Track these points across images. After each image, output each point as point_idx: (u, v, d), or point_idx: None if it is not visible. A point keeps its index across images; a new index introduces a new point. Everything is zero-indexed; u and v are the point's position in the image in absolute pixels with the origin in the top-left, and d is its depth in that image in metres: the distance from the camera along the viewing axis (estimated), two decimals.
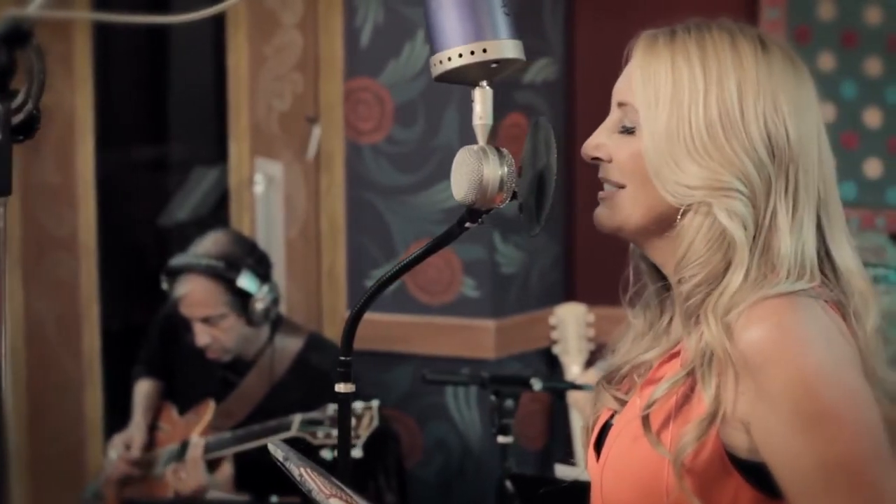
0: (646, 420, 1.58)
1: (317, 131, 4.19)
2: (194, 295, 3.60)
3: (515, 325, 4.05)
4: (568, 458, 3.29)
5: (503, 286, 4.03)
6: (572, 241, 4.23)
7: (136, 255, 5.44)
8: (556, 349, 4.12)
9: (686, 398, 1.58)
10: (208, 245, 3.64)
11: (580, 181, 4.03)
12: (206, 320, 3.61)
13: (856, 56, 3.86)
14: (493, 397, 3.06)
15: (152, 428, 3.83)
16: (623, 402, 1.70)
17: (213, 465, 3.60)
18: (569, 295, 4.23)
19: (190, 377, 3.82)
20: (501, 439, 3.05)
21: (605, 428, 1.72)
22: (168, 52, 5.77)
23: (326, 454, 3.32)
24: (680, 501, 1.56)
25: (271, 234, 4.25)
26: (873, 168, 3.88)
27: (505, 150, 1.63)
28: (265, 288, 3.62)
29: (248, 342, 3.67)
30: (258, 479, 3.54)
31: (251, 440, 3.51)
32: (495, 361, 3.94)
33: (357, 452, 3.27)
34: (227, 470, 3.60)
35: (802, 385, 1.50)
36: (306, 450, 3.25)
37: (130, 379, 3.94)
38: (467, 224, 1.66)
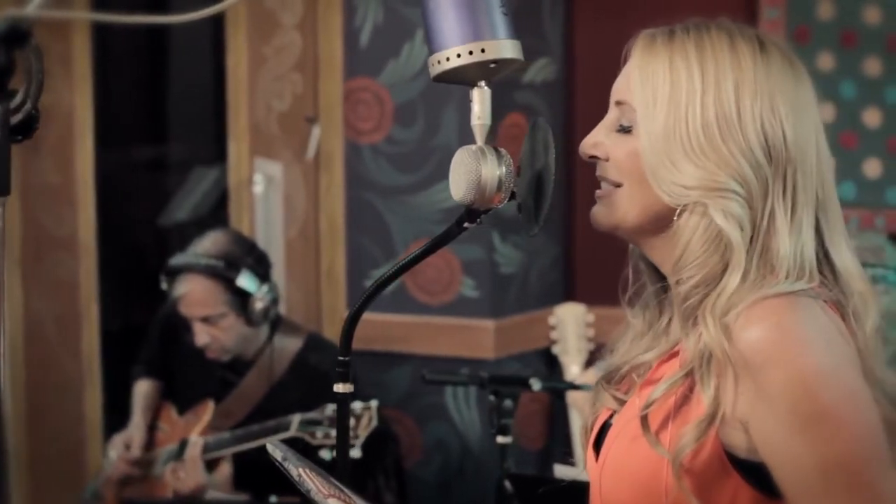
0: (644, 420, 1.58)
1: (316, 131, 4.19)
2: (194, 294, 3.60)
3: (515, 325, 4.05)
4: (567, 458, 3.28)
5: (502, 286, 4.03)
6: (572, 241, 4.23)
7: (136, 255, 5.44)
8: (555, 349, 4.12)
9: (685, 398, 1.58)
10: (208, 244, 3.64)
11: (579, 181, 4.03)
12: (205, 320, 3.61)
13: (855, 56, 3.86)
14: (492, 397, 3.06)
15: (151, 428, 3.83)
16: (622, 402, 1.70)
17: (211, 465, 3.60)
18: (568, 295, 4.23)
19: (189, 377, 3.82)
20: (500, 439, 3.05)
21: (605, 428, 1.72)
22: (167, 52, 5.78)
23: (325, 454, 3.32)
24: (679, 501, 1.56)
25: (271, 234, 4.25)
26: (872, 168, 3.88)
27: (503, 151, 1.63)
28: (264, 288, 3.62)
29: (248, 342, 3.67)
30: (257, 479, 3.54)
31: (250, 440, 3.51)
32: (494, 361, 3.94)
33: (356, 452, 3.27)
34: (225, 470, 3.60)
35: (802, 385, 1.50)
36: (305, 450, 3.25)
37: (130, 379, 3.94)
38: (466, 224, 1.66)
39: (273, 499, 3.49)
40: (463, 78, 1.62)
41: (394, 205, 4.06)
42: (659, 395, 1.58)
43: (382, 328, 4.00)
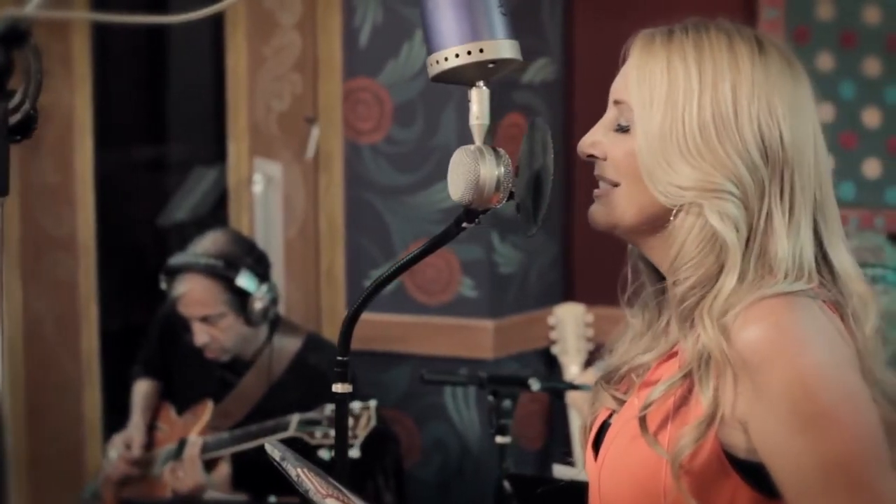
0: (643, 421, 1.58)
1: (316, 131, 4.19)
2: (193, 294, 3.60)
3: (514, 325, 4.05)
4: (566, 458, 3.28)
5: (502, 286, 4.03)
6: (571, 241, 4.23)
7: (135, 255, 5.44)
8: (554, 349, 4.12)
9: (684, 399, 1.58)
10: (207, 244, 3.64)
11: (579, 181, 4.03)
12: (204, 319, 3.61)
13: (855, 56, 3.86)
14: (490, 397, 3.06)
15: (151, 428, 3.83)
16: (622, 402, 1.70)
17: (210, 465, 3.60)
18: (567, 295, 4.23)
19: (188, 377, 3.82)
20: (499, 439, 3.05)
21: (604, 427, 1.72)
22: (167, 52, 5.78)
23: (324, 454, 3.32)
24: (678, 501, 1.56)
25: (270, 234, 4.25)
26: (872, 168, 3.88)
27: (501, 151, 1.63)
28: (264, 287, 3.62)
29: (247, 342, 3.67)
30: (256, 479, 3.54)
31: (249, 440, 3.51)
32: (494, 361, 3.94)
33: (355, 452, 3.28)
34: (224, 470, 3.60)
35: (801, 385, 1.50)
36: (304, 450, 3.25)
37: (129, 379, 3.94)
38: (464, 224, 1.66)
39: (272, 499, 3.49)
40: (461, 78, 1.62)
41: (393, 205, 4.06)
42: (657, 396, 1.58)
43: (382, 328, 4.00)
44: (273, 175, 4.26)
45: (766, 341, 1.51)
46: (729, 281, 1.56)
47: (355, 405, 3.32)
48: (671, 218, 1.61)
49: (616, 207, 1.65)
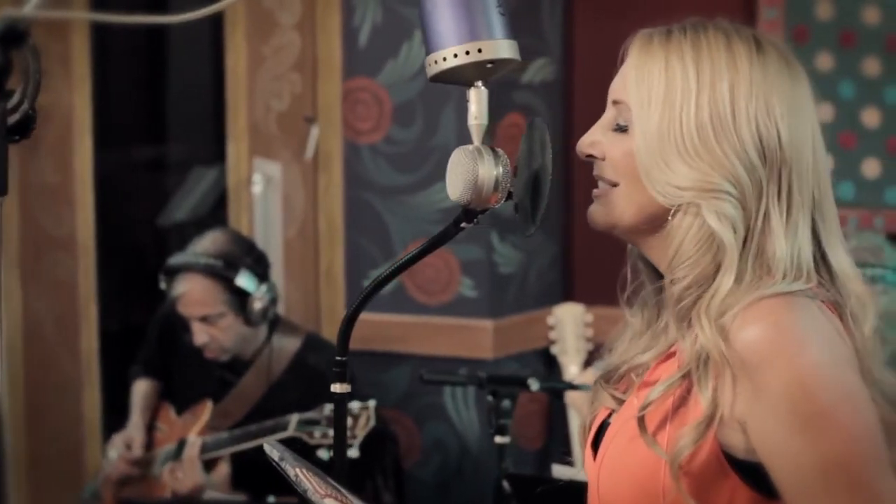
0: (641, 421, 1.58)
1: (315, 131, 4.19)
2: (193, 294, 3.60)
3: (513, 325, 4.05)
4: (565, 458, 3.28)
5: (501, 286, 4.03)
6: (570, 241, 4.23)
7: (135, 255, 5.44)
8: (554, 349, 4.12)
9: (683, 400, 1.58)
10: (207, 244, 3.65)
11: (578, 181, 4.03)
12: (204, 319, 3.61)
13: (854, 56, 3.86)
14: (490, 397, 3.06)
15: (150, 428, 3.83)
16: (621, 402, 1.70)
17: (209, 465, 3.60)
18: (567, 295, 4.23)
19: (188, 377, 3.82)
20: (499, 439, 3.05)
21: (603, 427, 1.72)
22: (166, 52, 5.78)
23: (323, 454, 3.32)
24: (676, 501, 1.56)
25: (269, 234, 4.25)
26: (871, 168, 3.88)
27: (500, 150, 1.63)
28: (263, 287, 3.62)
29: (246, 342, 3.67)
30: (255, 479, 3.54)
31: (248, 440, 3.51)
32: (493, 361, 3.94)
33: (354, 452, 3.27)
34: (223, 470, 3.60)
35: (800, 385, 1.49)
36: (303, 450, 3.25)
37: (128, 379, 3.94)
38: (463, 224, 1.66)
39: (271, 499, 3.49)
40: (460, 78, 1.62)
41: (392, 205, 4.06)
42: (656, 396, 1.58)
43: (381, 328, 4.01)
44: (272, 175, 4.26)
45: (766, 341, 1.51)
46: (726, 281, 1.56)
47: (354, 405, 3.31)
48: (669, 218, 1.61)
49: (615, 207, 1.65)
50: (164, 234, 5.22)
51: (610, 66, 1.70)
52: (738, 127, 1.59)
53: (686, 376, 1.57)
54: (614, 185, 1.65)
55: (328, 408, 3.34)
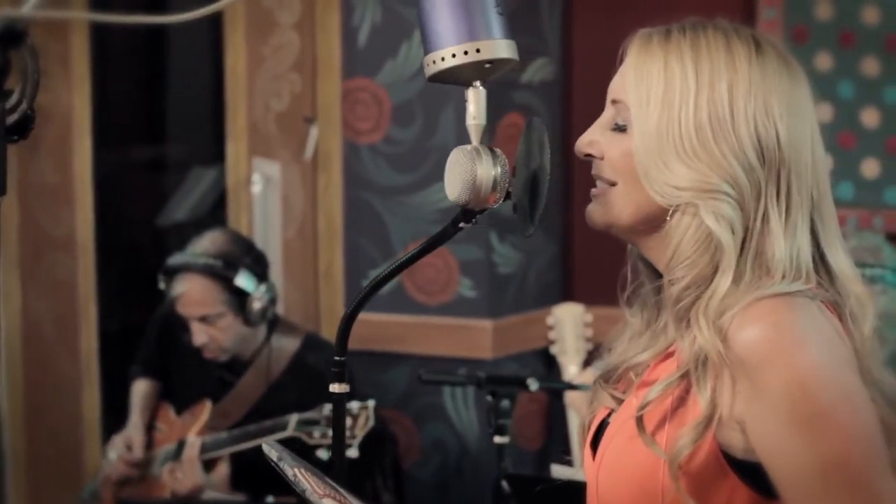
0: (639, 421, 1.58)
1: (314, 131, 4.19)
2: (192, 294, 3.60)
3: (513, 325, 4.05)
4: (564, 458, 3.28)
5: (500, 286, 4.03)
6: (570, 241, 4.23)
7: (134, 255, 5.44)
8: (553, 349, 4.12)
9: (681, 400, 1.58)
10: (206, 244, 3.65)
11: (577, 181, 4.02)
12: (203, 319, 3.61)
13: (853, 56, 3.86)
14: (489, 397, 3.06)
15: (149, 428, 3.83)
16: (620, 401, 1.70)
17: (209, 465, 3.60)
18: (566, 295, 4.23)
19: (187, 377, 3.82)
20: (498, 439, 3.04)
21: (602, 426, 1.71)
22: (166, 52, 5.78)
23: (323, 454, 3.32)
24: (676, 501, 1.56)
25: (269, 234, 4.25)
26: (870, 168, 3.88)
27: (498, 151, 1.63)
28: (262, 287, 3.62)
29: (246, 342, 3.67)
30: (254, 479, 3.54)
31: (247, 440, 3.51)
32: (492, 361, 3.94)
33: (353, 452, 3.27)
34: (223, 470, 3.60)
35: (799, 385, 1.49)
36: (302, 450, 3.25)
37: (128, 379, 3.94)
38: (461, 224, 1.66)
39: (270, 499, 3.49)
40: (458, 78, 1.62)
41: (392, 205, 4.06)
42: (654, 396, 1.58)
43: (380, 328, 4.00)
44: (272, 175, 4.26)
45: (765, 341, 1.51)
46: (724, 282, 1.56)
47: (353, 405, 3.32)
48: (668, 218, 1.61)
49: (613, 207, 1.65)
50: (163, 234, 5.22)
51: (609, 66, 1.70)
52: (737, 127, 1.59)
53: (685, 376, 1.57)
54: (612, 184, 1.65)
55: (327, 408, 3.34)
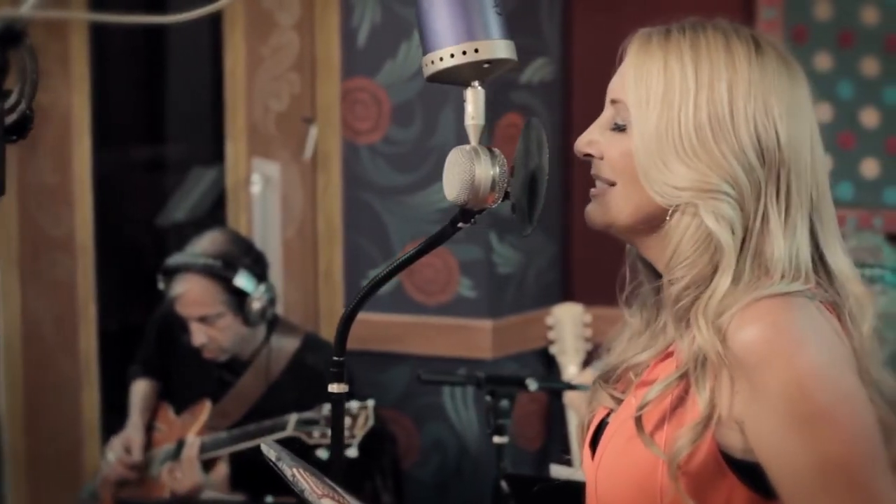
0: (639, 421, 1.58)
1: (314, 131, 4.19)
2: (191, 294, 3.60)
3: (512, 325, 4.05)
4: (564, 458, 3.28)
5: (500, 286, 4.03)
6: (569, 241, 4.23)
7: (134, 256, 5.44)
8: (553, 349, 4.12)
9: (680, 400, 1.58)
10: (205, 244, 3.65)
11: (577, 181, 4.02)
12: (202, 319, 3.61)
13: (853, 56, 3.86)
14: (488, 397, 3.06)
15: (149, 428, 3.83)
16: (619, 401, 1.70)
17: (208, 465, 3.60)
18: (566, 295, 4.23)
19: (186, 377, 3.82)
20: (497, 439, 3.04)
21: (601, 426, 1.71)
22: (165, 52, 5.78)
23: (322, 454, 3.32)
24: (674, 501, 1.56)
25: (268, 234, 4.25)
26: (870, 168, 3.88)
27: (497, 151, 1.63)
28: (262, 287, 3.62)
29: (245, 342, 3.67)
30: (254, 479, 3.54)
31: (247, 440, 3.51)
32: (492, 361, 3.94)
33: (353, 452, 3.28)
34: (222, 470, 3.60)
35: (798, 385, 1.49)
36: (302, 450, 3.25)
37: (127, 379, 3.94)
38: (460, 224, 1.66)
39: (269, 499, 3.49)
40: (456, 78, 1.62)
41: (391, 205, 4.06)
42: (653, 396, 1.58)
43: (380, 328, 4.00)
44: (271, 175, 4.26)
45: (764, 341, 1.51)
46: (723, 282, 1.56)
47: (353, 405, 3.32)
48: (667, 218, 1.61)
49: (612, 207, 1.65)
50: (162, 235, 5.22)
51: (608, 65, 1.70)
52: (737, 127, 1.59)
53: (684, 376, 1.57)
54: (612, 184, 1.65)
55: (327, 408, 3.34)
